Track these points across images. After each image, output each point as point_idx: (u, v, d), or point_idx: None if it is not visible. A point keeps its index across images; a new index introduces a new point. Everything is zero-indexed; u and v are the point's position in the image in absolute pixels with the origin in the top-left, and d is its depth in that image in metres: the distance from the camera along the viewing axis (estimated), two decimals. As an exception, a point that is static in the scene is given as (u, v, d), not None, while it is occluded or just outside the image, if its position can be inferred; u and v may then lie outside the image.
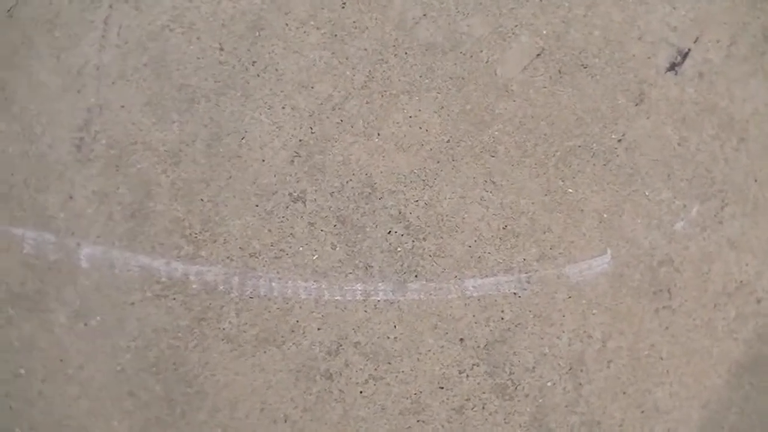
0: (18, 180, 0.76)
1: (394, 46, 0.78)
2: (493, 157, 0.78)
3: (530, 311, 0.77)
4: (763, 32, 0.81)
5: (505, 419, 0.77)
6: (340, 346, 0.76)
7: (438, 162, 0.77)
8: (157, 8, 0.78)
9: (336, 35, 0.78)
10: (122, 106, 0.77)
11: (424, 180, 0.77)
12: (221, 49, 0.77)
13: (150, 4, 0.78)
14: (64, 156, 0.76)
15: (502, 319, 0.77)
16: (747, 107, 0.80)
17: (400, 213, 0.77)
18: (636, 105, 0.79)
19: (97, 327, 0.75)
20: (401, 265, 0.76)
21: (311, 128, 0.77)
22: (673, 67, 0.78)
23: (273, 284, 0.76)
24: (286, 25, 0.78)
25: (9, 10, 0.77)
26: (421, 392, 0.76)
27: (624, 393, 0.77)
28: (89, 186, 0.76)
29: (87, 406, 0.75)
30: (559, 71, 0.79)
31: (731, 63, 0.80)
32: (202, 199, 0.76)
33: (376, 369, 0.76)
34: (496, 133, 0.78)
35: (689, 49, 0.79)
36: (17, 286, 0.75)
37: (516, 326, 0.77)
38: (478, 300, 0.76)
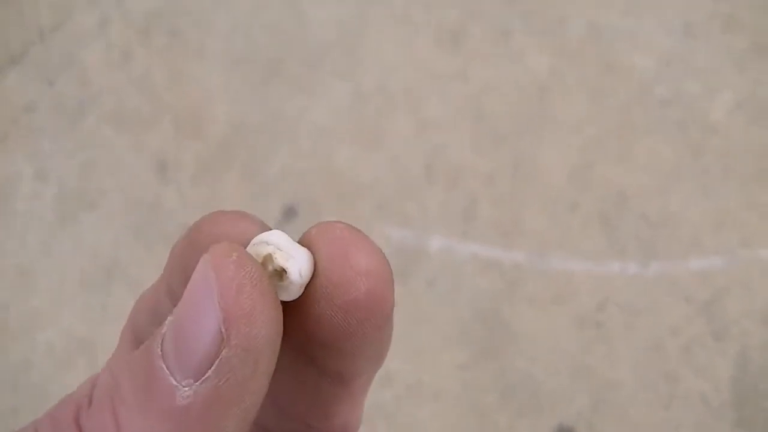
0: (391, 193, 1.17)
1: (638, 101, 1.16)
2: (705, 174, 1.14)
3: (735, 281, 1.13)
4: None
5: (718, 354, 1.13)
6: (605, 303, 1.14)
7: (667, 179, 1.14)
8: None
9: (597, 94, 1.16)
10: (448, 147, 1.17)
11: (659, 192, 1.14)
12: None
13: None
14: (418, 181, 1.17)
15: (714, 286, 1.13)
16: None
17: (643, 213, 1.14)
18: (807, 138, 1.14)
19: (442, 289, 1.15)
20: (645, 249, 1.14)
21: (584, 158, 1.16)
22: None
23: (559, 262, 1.14)
24: (562, 89, 1.17)
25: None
26: (659, 335, 1.13)
27: (803, 336, 1.12)
28: (436, 199, 1.17)
29: (439, 341, 1.15)
30: (751, 116, 1.15)
31: None
32: (510, 207, 1.16)
33: (628, 318, 1.14)
34: (708, 157, 1.14)
35: None
36: (393, 266, 1.16)
37: (726, 292, 1.13)
38: (699, 273, 1.13)
